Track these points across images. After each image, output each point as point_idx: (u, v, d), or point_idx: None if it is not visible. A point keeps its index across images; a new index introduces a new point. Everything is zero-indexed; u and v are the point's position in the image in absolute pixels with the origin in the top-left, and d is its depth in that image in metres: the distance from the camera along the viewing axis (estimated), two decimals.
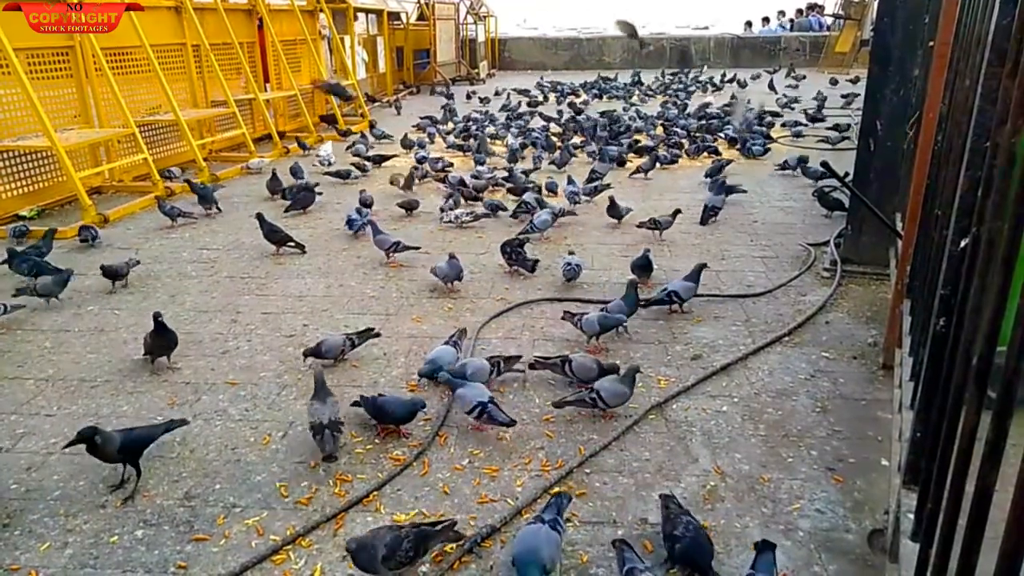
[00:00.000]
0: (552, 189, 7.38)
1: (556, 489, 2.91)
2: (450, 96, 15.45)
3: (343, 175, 8.38)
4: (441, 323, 4.53)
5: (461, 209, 6.69)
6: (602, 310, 4.23)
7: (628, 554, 2.39)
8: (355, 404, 3.42)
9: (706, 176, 8.07)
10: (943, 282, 2.04)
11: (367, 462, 3.11)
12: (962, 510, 1.48)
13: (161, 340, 3.94)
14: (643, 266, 5.06)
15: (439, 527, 2.52)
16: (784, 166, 8.53)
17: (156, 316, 3.90)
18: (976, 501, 1.36)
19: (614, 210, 6.46)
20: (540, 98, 15.41)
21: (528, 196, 6.81)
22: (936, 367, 1.99)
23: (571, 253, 5.36)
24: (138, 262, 5.34)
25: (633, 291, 4.28)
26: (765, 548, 2.39)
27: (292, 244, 5.89)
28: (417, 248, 5.66)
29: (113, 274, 5.07)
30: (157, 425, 3.18)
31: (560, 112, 12.60)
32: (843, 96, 14.22)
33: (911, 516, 1.98)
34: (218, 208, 7.09)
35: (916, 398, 2.42)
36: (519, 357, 3.83)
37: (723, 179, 7.37)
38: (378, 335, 4.19)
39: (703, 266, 4.70)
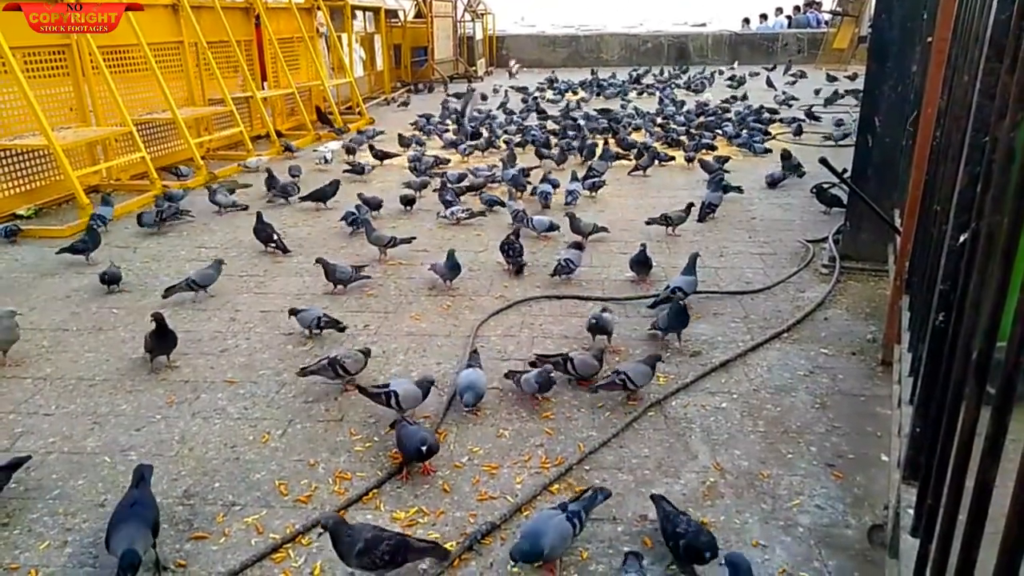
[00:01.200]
0: (554, 185, 7.40)
1: (556, 487, 2.91)
2: (462, 94, 15.36)
3: (357, 171, 8.41)
4: (440, 321, 4.53)
5: (458, 206, 6.68)
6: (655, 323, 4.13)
7: (630, 562, 2.40)
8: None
9: (704, 170, 8.09)
10: (942, 277, 2.04)
11: (366, 460, 3.11)
12: (962, 505, 1.48)
13: (161, 340, 3.94)
14: (641, 262, 5.05)
15: (423, 544, 2.48)
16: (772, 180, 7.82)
17: (157, 317, 3.90)
18: (976, 496, 1.36)
19: (575, 224, 5.80)
20: (536, 95, 15.33)
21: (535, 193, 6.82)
22: (935, 362, 1.99)
23: (578, 247, 5.28)
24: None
25: (681, 309, 4.11)
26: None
27: (274, 244, 5.85)
28: (411, 239, 5.65)
29: (113, 279, 5.01)
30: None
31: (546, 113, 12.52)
32: (847, 91, 14.23)
33: (911, 511, 1.98)
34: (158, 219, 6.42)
35: (915, 393, 2.42)
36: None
37: (720, 176, 7.37)
38: (344, 328, 4.30)
39: (696, 255, 4.70)
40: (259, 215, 6.05)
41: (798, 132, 10.54)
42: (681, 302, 4.20)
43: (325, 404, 3.58)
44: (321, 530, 2.55)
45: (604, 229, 5.98)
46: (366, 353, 3.83)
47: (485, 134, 9.86)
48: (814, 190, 7.01)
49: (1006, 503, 1.22)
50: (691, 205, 6.23)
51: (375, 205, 6.78)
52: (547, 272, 5.31)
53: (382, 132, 10.69)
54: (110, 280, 5.00)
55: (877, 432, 3.26)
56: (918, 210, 3.46)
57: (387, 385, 3.36)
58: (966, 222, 1.83)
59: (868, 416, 3.41)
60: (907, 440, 2.24)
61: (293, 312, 4.33)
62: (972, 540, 1.37)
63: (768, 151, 9.41)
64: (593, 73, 18.36)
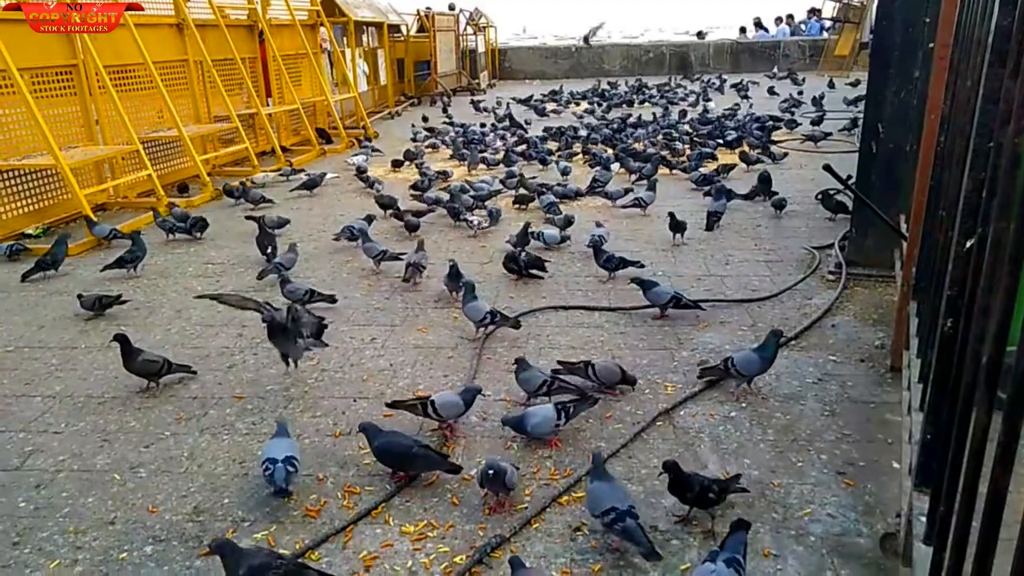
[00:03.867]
0: (564, 195, 7.49)
1: (565, 499, 2.90)
2: (483, 108, 15.28)
3: (368, 184, 8.49)
4: (447, 333, 4.53)
5: (475, 217, 6.71)
6: (728, 359, 3.63)
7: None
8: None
9: (701, 182, 8.10)
10: (950, 283, 2.03)
11: (375, 473, 3.11)
12: (975, 512, 1.47)
13: (134, 365, 3.86)
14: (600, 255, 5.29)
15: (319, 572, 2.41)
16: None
17: (119, 338, 3.87)
18: (989, 502, 1.35)
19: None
20: (541, 107, 15.34)
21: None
22: (945, 368, 1.99)
23: (599, 225, 5.90)
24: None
25: (774, 341, 3.62)
26: (739, 527, 2.43)
27: (265, 255, 5.90)
28: (400, 256, 5.63)
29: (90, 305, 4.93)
30: None
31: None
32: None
33: (923, 519, 1.97)
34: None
35: (925, 400, 2.41)
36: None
37: (722, 184, 7.37)
38: (334, 300, 4.97)
39: (634, 279, 4.76)
40: (261, 225, 6.09)
41: (819, 139, 10.48)
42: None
43: (333, 418, 3.58)
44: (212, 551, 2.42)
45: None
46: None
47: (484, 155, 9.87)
48: (819, 196, 7.00)
49: (1020, 508, 1.21)
50: (672, 214, 6.17)
51: (390, 204, 7.07)
52: (553, 283, 5.32)
53: (379, 151, 10.62)
54: (94, 306, 4.93)
55: (888, 439, 3.24)
56: (924, 216, 3.46)
57: (427, 397, 3.36)
58: (972, 228, 1.82)
59: (878, 423, 3.39)
60: (918, 447, 2.22)
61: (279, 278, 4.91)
62: (986, 547, 1.36)
63: (786, 154, 9.44)
64: (604, 90, 18.15)
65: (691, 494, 2.70)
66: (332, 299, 4.99)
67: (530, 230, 5.93)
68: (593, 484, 2.74)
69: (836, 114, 12.18)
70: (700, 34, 23.57)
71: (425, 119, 12.67)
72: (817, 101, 13.61)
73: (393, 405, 3.44)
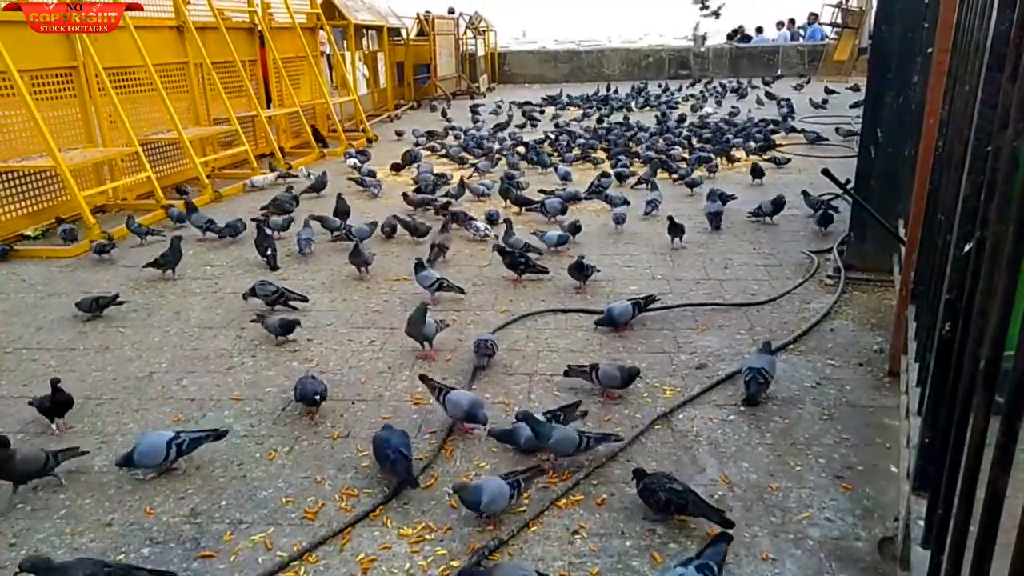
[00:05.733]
0: (570, 198, 7.52)
1: (564, 502, 2.90)
2: (479, 113, 14.99)
3: (368, 188, 8.56)
4: (445, 336, 4.52)
5: (481, 223, 6.71)
6: (760, 371, 3.60)
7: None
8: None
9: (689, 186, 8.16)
10: (948, 287, 2.04)
11: (373, 476, 3.10)
12: (973, 516, 1.47)
13: (54, 406, 3.54)
14: (577, 268, 5.19)
15: (155, 572, 2.40)
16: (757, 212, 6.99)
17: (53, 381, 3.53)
18: (987, 506, 1.35)
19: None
20: (536, 112, 15.22)
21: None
22: (943, 372, 1.99)
23: (625, 202, 6.78)
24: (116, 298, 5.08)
25: (766, 345, 3.83)
26: (720, 540, 2.47)
27: (265, 258, 5.94)
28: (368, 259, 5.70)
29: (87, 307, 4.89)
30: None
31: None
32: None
33: (921, 523, 1.96)
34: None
35: (923, 404, 2.41)
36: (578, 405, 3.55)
37: (713, 187, 7.38)
38: (305, 299, 5.02)
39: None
40: (259, 228, 6.10)
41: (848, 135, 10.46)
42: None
43: (331, 421, 3.58)
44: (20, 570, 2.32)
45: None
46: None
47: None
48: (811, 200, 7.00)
49: (1018, 513, 1.21)
50: (671, 217, 6.19)
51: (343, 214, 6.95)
52: (552, 286, 5.32)
53: (366, 157, 10.49)
54: (92, 307, 4.90)
55: (886, 443, 3.24)
56: (922, 220, 3.46)
57: (451, 388, 3.47)
58: (970, 231, 1.83)
59: (876, 427, 3.39)
60: (916, 451, 2.22)
61: (252, 292, 4.90)
62: (984, 551, 1.36)
63: (788, 160, 9.48)
64: (606, 96, 17.86)
65: (638, 487, 2.80)
66: (304, 299, 5.04)
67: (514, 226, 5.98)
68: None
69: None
70: None
71: (399, 134, 12.49)
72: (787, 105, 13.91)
73: (423, 380, 3.62)
